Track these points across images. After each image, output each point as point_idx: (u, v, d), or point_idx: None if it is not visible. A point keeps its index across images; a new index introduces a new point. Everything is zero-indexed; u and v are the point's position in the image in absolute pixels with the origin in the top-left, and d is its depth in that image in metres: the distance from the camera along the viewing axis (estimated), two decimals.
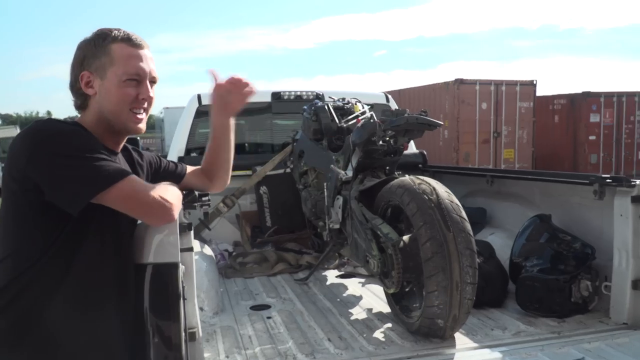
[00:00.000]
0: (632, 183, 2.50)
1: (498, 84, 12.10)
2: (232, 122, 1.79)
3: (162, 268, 1.61)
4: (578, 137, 12.93)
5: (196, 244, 3.25)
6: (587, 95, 12.85)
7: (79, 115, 1.57)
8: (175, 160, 3.96)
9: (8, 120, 53.38)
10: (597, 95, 12.88)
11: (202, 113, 4.39)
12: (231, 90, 1.74)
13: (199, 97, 4.41)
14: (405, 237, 2.48)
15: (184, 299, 1.70)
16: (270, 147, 4.63)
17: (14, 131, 15.06)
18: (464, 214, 2.39)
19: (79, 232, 1.44)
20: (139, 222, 1.60)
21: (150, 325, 1.59)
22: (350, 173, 2.90)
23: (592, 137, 12.84)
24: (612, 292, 2.60)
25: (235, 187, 4.00)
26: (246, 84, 1.73)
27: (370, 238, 2.62)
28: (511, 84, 12.21)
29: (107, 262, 1.53)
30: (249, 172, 4.15)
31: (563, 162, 12.86)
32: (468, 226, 2.37)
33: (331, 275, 3.57)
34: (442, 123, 2.64)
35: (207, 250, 3.36)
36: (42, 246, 1.41)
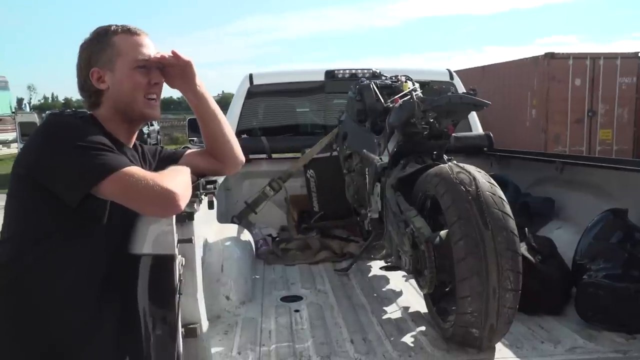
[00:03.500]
0: None
1: (595, 57, 11.00)
2: (201, 91, 1.74)
3: (157, 260, 1.49)
4: None
5: (233, 230, 3.14)
6: None
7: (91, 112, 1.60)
8: None
9: (68, 104, 57.06)
10: None
11: (254, 94, 4.26)
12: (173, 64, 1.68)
13: (250, 76, 4.28)
14: (442, 233, 2.19)
15: (180, 293, 1.57)
16: (324, 128, 4.42)
17: (33, 117, 16.13)
18: (507, 210, 2.06)
19: (78, 221, 1.45)
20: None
21: (143, 319, 1.50)
22: (387, 158, 2.62)
23: None
24: None
25: (282, 170, 3.85)
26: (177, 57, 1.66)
27: (403, 231, 2.35)
28: (610, 57, 11.07)
29: (102, 253, 1.52)
30: (299, 155, 3.98)
31: None
32: (512, 224, 2.04)
33: (375, 267, 3.33)
34: (489, 103, 2.29)
35: (245, 237, 3.23)
36: (43, 231, 1.45)
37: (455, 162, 2.36)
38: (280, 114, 4.59)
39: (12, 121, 17.82)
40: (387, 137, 2.67)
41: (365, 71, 4.19)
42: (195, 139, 5.30)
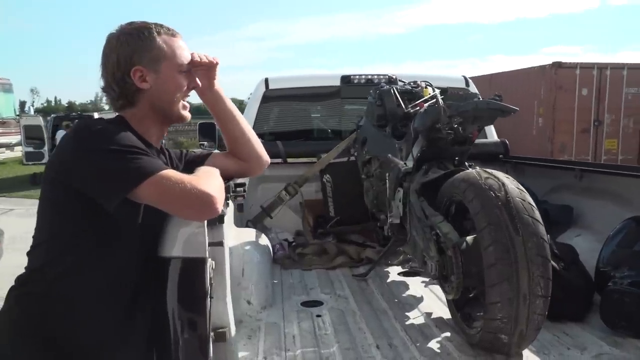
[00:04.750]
0: None
1: (602, 67, 11.02)
2: (218, 91, 1.77)
3: (188, 263, 1.49)
4: None
5: (251, 234, 3.14)
6: None
7: (119, 113, 1.58)
8: None
9: (72, 108, 57.07)
10: None
11: (269, 98, 4.26)
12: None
13: (266, 80, 4.28)
14: (469, 238, 2.19)
15: (211, 297, 1.57)
16: (339, 133, 4.42)
17: (38, 120, 16.05)
18: (537, 216, 2.06)
19: (112, 225, 1.44)
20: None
21: (173, 323, 1.48)
22: (410, 163, 2.62)
23: None
24: None
25: (298, 175, 3.85)
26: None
27: (429, 237, 2.34)
28: (617, 67, 11.08)
29: (134, 256, 1.52)
30: (314, 160, 3.98)
31: None
32: (542, 230, 2.04)
33: (393, 272, 3.32)
34: (517, 109, 2.29)
35: (263, 240, 3.23)
36: (78, 236, 1.44)
37: (480, 168, 2.36)
38: (295, 119, 4.59)
39: (16, 124, 17.73)
40: (412, 142, 2.67)
41: (381, 76, 4.20)
42: (205, 143, 5.28)
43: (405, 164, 2.66)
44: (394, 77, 4.14)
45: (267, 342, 2.33)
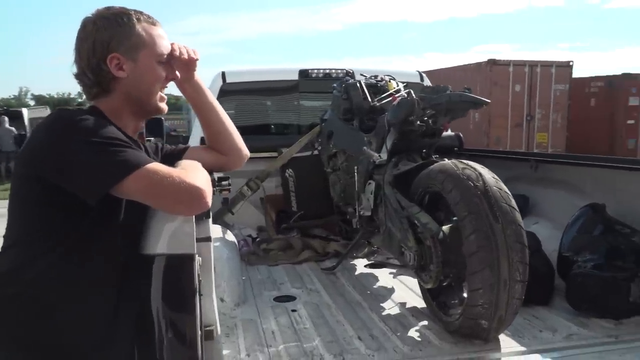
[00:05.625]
0: None
1: (533, 65, 11.62)
2: (197, 83, 1.70)
3: (175, 260, 1.42)
4: (615, 121, 12.38)
5: (218, 230, 3.07)
6: (626, 77, 12.26)
7: (93, 103, 1.49)
8: (198, 142, 3.78)
9: (41, 101, 53.96)
10: (637, 77, 12.27)
11: (227, 92, 4.17)
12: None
13: (223, 74, 4.19)
14: (446, 228, 2.24)
15: (200, 294, 1.52)
16: (297, 128, 4.40)
17: (45, 112, 15.06)
18: (514, 203, 2.14)
19: (93, 222, 1.36)
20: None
21: (159, 322, 1.42)
22: (384, 156, 2.65)
23: (630, 122, 12.27)
24: None
25: (260, 170, 3.80)
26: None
27: (407, 228, 2.38)
28: (546, 65, 11.71)
29: (117, 255, 1.44)
30: (274, 154, 3.93)
31: (598, 147, 12.33)
32: (519, 217, 2.11)
33: (360, 265, 3.35)
34: (488, 101, 2.37)
35: (230, 237, 3.17)
36: (56, 235, 1.35)
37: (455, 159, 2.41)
38: (253, 113, 4.52)
39: None
40: (383, 135, 2.69)
41: (339, 71, 4.22)
42: (152, 139, 5.11)
43: (379, 156, 2.68)
44: (352, 71, 4.18)
45: (247, 339, 2.28)
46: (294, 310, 2.60)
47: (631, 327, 2.32)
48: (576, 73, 12.03)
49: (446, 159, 2.45)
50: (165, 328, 1.43)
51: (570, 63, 11.90)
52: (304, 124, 4.30)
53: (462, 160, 2.31)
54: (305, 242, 3.55)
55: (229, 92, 4.16)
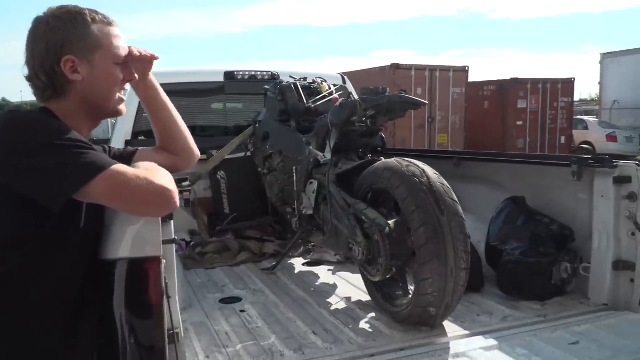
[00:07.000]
0: (615, 164, 2.50)
1: (432, 69, 12.31)
2: (150, 80, 1.67)
3: (140, 263, 1.40)
4: (506, 122, 13.44)
5: None
6: (515, 81, 13.34)
7: (44, 105, 1.43)
8: (122, 144, 3.63)
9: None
10: (525, 82, 13.42)
11: None
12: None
13: None
14: (391, 222, 2.35)
15: (169, 297, 1.50)
16: (224, 129, 4.36)
17: None
18: (455, 197, 2.30)
19: (54, 227, 1.31)
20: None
21: (124, 328, 1.40)
22: (329, 155, 2.72)
23: (519, 122, 13.39)
24: (592, 274, 2.61)
25: (189, 173, 3.72)
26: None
27: (354, 224, 2.47)
28: (445, 69, 12.47)
29: (78, 260, 1.40)
30: (203, 156, 3.87)
31: (493, 147, 13.31)
32: (460, 209, 2.28)
33: (298, 264, 3.41)
34: (426, 102, 2.52)
35: None
36: (15, 240, 1.29)
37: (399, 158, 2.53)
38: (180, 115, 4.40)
39: None
40: (324, 136, 2.77)
41: (265, 73, 4.25)
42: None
43: (324, 155, 2.75)
44: (277, 73, 4.22)
45: (201, 341, 2.26)
46: (242, 311, 2.60)
47: (555, 306, 2.57)
48: (471, 77, 12.87)
49: (383, 158, 2.59)
50: (129, 334, 1.41)
51: (466, 68, 12.75)
52: (232, 126, 4.27)
53: (405, 159, 2.44)
54: (242, 244, 3.54)
55: None
